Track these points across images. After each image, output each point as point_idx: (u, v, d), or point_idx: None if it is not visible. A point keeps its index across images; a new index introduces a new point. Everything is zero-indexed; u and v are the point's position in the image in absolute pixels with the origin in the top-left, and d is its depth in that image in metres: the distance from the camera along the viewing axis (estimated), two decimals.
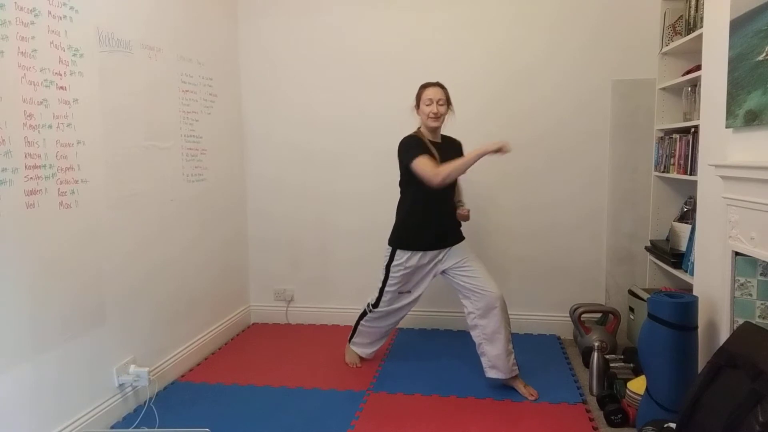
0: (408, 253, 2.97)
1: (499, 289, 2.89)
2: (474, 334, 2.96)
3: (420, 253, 2.97)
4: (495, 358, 2.88)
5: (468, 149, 3.70)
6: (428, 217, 2.94)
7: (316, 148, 3.94)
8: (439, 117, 2.87)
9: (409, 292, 3.08)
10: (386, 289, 3.08)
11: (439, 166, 2.76)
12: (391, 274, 3.04)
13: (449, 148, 2.98)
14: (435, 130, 2.94)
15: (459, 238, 3.05)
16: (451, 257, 2.99)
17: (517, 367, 2.91)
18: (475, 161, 2.71)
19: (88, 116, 2.47)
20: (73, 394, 2.39)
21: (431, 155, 2.83)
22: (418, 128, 2.98)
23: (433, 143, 2.91)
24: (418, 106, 2.95)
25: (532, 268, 3.78)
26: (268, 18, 3.93)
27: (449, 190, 2.94)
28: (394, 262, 3.01)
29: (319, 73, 3.90)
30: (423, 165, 2.77)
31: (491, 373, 2.91)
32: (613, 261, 3.67)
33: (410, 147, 2.87)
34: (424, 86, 2.93)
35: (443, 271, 3.02)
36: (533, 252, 3.77)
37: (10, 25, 2.05)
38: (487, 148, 2.66)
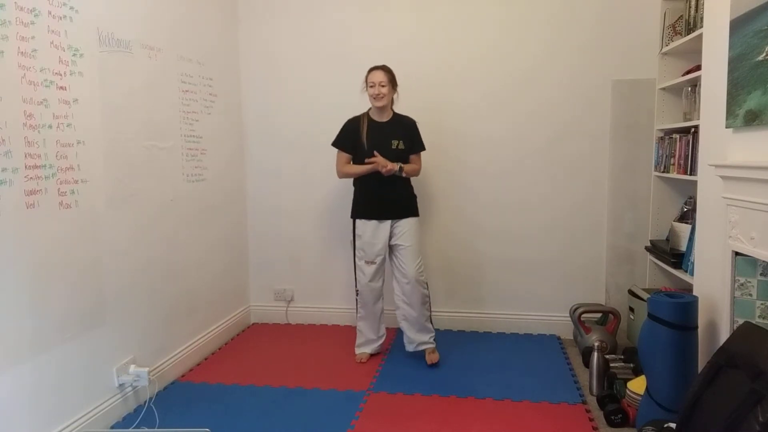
0: (362, 222, 3.26)
1: (415, 271, 3.23)
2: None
3: (371, 222, 3.23)
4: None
5: (467, 146, 3.72)
6: (368, 190, 3.25)
7: (316, 148, 3.93)
8: (381, 97, 3.15)
9: (373, 262, 3.27)
10: (356, 262, 3.32)
11: (347, 163, 3.27)
12: (357, 245, 3.30)
13: (397, 126, 3.26)
14: (380, 109, 3.22)
15: (407, 212, 3.27)
16: (398, 232, 3.25)
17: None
18: (366, 172, 3.18)
19: (88, 116, 2.47)
20: (72, 394, 2.39)
21: (352, 147, 3.24)
22: (369, 108, 3.27)
23: (380, 122, 3.24)
24: (366, 88, 3.21)
25: (533, 268, 3.78)
26: (268, 18, 3.93)
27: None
28: (355, 232, 3.30)
29: (319, 73, 3.90)
30: (337, 159, 3.31)
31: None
32: (613, 261, 3.67)
33: (339, 132, 3.29)
34: (370, 70, 3.21)
35: (390, 245, 3.30)
36: (533, 252, 3.77)
37: (10, 25, 2.05)
38: (376, 168, 3.14)
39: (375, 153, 3.14)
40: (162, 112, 3.04)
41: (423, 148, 3.35)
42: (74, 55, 2.38)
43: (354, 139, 3.24)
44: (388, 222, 3.24)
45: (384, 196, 3.23)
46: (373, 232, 3.24)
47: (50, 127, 2.24)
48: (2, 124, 2.01)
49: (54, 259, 2.27)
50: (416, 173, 3.33)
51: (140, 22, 2.85)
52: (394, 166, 3.15)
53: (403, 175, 3.22)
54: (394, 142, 3.20)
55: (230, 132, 3.86)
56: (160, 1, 3.03)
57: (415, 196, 3.35)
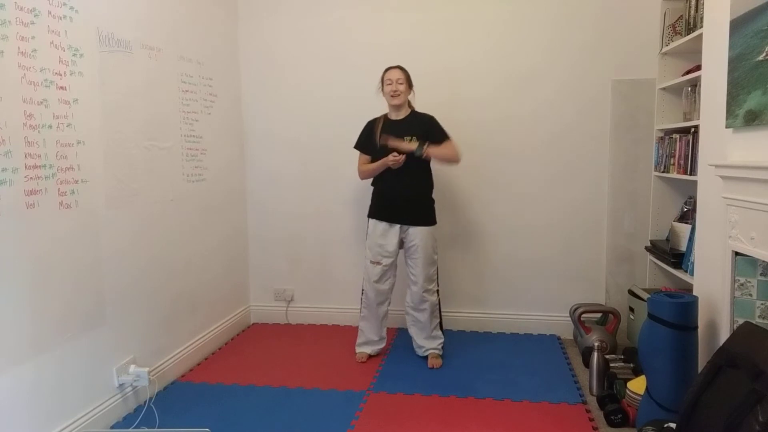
0: (373, 222, 3.27)
1: (426, 282, 3.24)
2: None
3: (382, 223, 3.23)
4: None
5: (466, 146, 3.72)
6: (383, 190, 3.26)
7: (316, 148, 3.94)
8: (397, 95, 3.15)
9: (379, 263, 3.27)
10: (366, 262, 3.33)
11: (367, 163, 3.27)
12: (367, 244, 3.32)
13: (413, 122, 3.23)
14: (397, 108, 3.23)
15: (419, 220, 3.22)
16: (409, 239, 3.23)
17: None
18: (378, 168, 3.18)
19: (88, 116, 2.47)
20: (72, 394, 2.39)
21: (369, 147, 3.26)
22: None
23: (395, 120, 3.24)
24: (382, 87, 3.22)
25: (532, 268, 3.78)
26: (268, 17, 3.93)
27: (408, 171, 3.15)
28: (368, 231, 3.31)
29: (319, 73, 3.90)
30: (358, 161, 3.33)
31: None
32: (613, 261, 3.67)
33: (360, 135, 3.33)
34: (386, 69, 3.23)
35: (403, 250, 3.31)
36: (533, 252, 3.77)
37: (10, 25, 2.05)
38: (387, 161, 3.11)
39: (388, 142, 3.09)
40: (162, 112, 3.04)
41: (448, 137, 3.21)
42: (74, 55, 2.38)
43: (370, 138, 3.26)
44: (398, 226, 3.22)
45: (395, 199, 3.20)
46: (383, 234, 3.24)
47: (50, 127, 2.24)
48: (2, 124, 2.01)
49: (54, 259, 2.27)
50: (450, 158, 3.18)
51: (140, 22, 2.85)
52: (400, 144, 3.05)
53: (424, 156, 3.10)
54: (407, 138, 3.18)
55: (230, 132, 3.86)
56: (160, 1, 3.03)
57: (432, 201, 3.29)
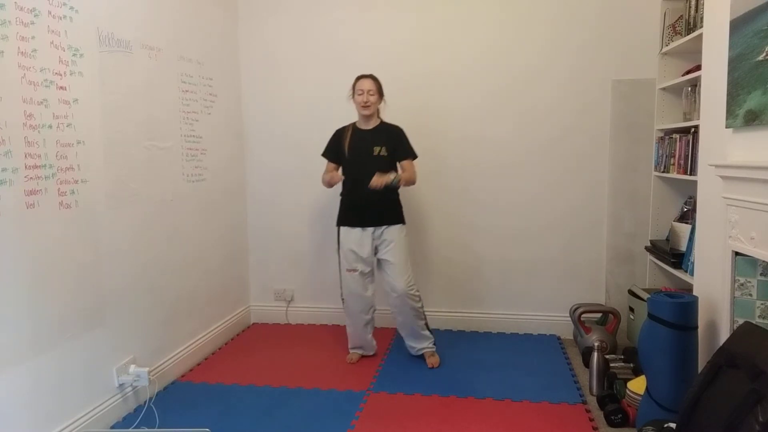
0: (345, 229, 3.26)
1: (404, 286, 3.18)
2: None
3: (354, 230, 3.21)
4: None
5: (467, 146, 3.73)
6: (351, 197, 3.24)
7: (317, 149, 3.92)
8: (368, 106, 3.15)
9: (354, 269, 3.24)
10: (340, 270, 3.31)
11: (332, 172, 3.30)
12: (340, 252, 3.29)
13: (381, 133, 3.24)
14: (367, 118, 3.21)
15: (391, 218, 3.22)
16: (383, 246, 3.22)
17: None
18: (330, 183, 3.30)
19: (88, 116, 2.47)
20: (72, 394, 2.39)
21: (336, 155, 3.29)
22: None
23: (364, 130, 3.24)
24: (353, 96, 3.20)
25: (533, 268, 3.78)
26: (268, 17, 3.93)
27: (370, 173, 3.09)
28: (339, 240, 3.30)
29: (319, 73, 3.90)
30: (325, 168, 3.33)
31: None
32: (613, 261, 3.67)
33: (328, 143, 3.33)
34: (358, 78, 3.20)
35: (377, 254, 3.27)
36: (533, 252, 3.77)
37: (10, 25, 2.05)
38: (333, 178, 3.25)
39: (371, 185, 3.06)
40: (162, 112, 3.04)
41: (413, 155, 3.26)
42: (74, 55, 2.38)
43: (338, 147, 3.26)
44: (371, 229, 3.20)
45: (366, 203, 3.16)
46: (356, 240, 3.21)
47: (50, 127, 2.24)
48: (2, 124, 2.01)
49: (54, 259, 2.27)
50: (412, 181, 3.24)
51: (140, 22, 2.85)
52: (381, 180, 3.04)
53: (401, 185, 3.18)
54: (376, 149, 3.18)
55: (230, 132, 3.86)
56: (160, 1, 3.03)
57: (399, 201, 3.28)
